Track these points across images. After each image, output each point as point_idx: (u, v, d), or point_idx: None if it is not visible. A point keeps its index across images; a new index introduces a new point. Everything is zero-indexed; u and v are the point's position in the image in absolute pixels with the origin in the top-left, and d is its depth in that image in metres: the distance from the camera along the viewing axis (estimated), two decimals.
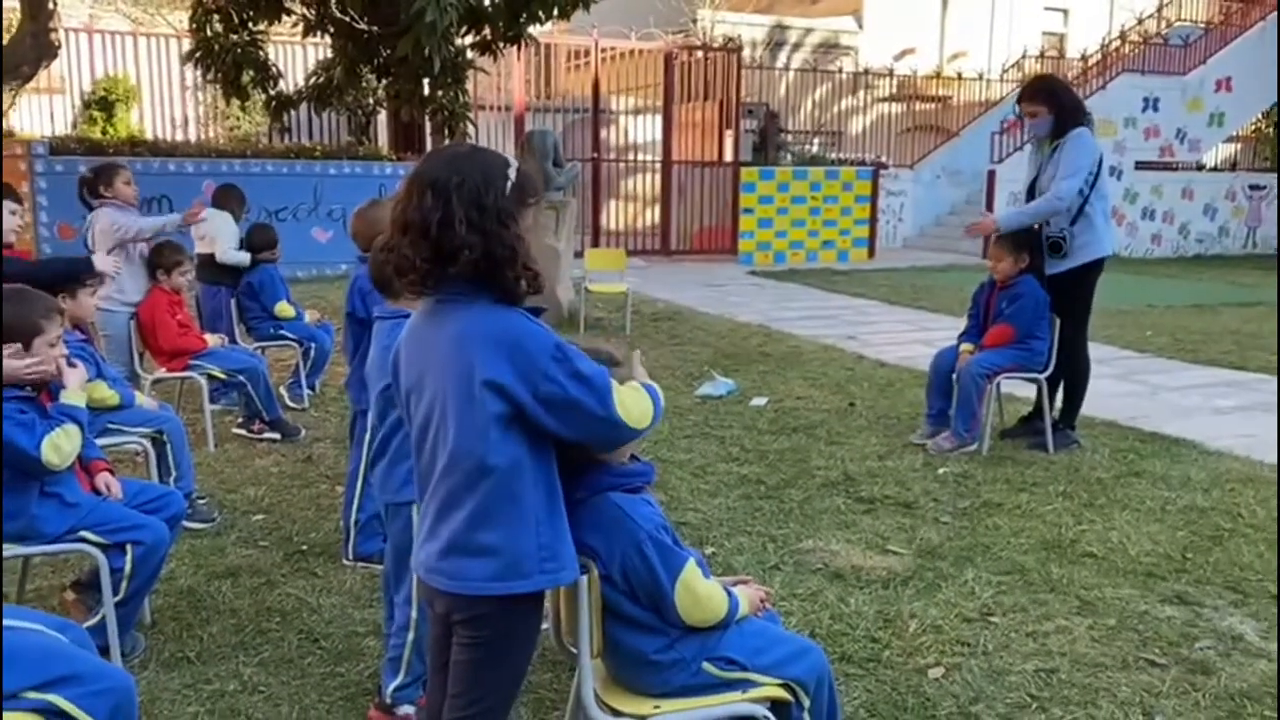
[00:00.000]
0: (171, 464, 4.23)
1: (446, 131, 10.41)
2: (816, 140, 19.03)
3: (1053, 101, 5.40)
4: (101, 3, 17.89)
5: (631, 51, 15.96)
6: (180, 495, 3.64)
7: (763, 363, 7.81)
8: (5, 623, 2.20)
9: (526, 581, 2.00)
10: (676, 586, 2.14)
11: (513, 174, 2.01)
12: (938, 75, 20.12)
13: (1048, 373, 5.46)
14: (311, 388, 6.57)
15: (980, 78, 19.42)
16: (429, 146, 11.28)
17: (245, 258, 6.36)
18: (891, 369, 7.64)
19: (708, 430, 5.87)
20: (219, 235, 6.33)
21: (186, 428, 4.50)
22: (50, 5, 9.18)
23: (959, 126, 19.16)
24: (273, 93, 10.95)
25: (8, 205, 4.58)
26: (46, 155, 10.75)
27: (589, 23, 13.09)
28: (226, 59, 10.21)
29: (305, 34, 10.50)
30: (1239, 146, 21.43)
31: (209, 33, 10.21)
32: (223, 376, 5.54)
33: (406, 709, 2.84)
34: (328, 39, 10.71)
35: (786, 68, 19.08)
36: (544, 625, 2.26)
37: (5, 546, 3.00)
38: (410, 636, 2.81)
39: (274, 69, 10.91)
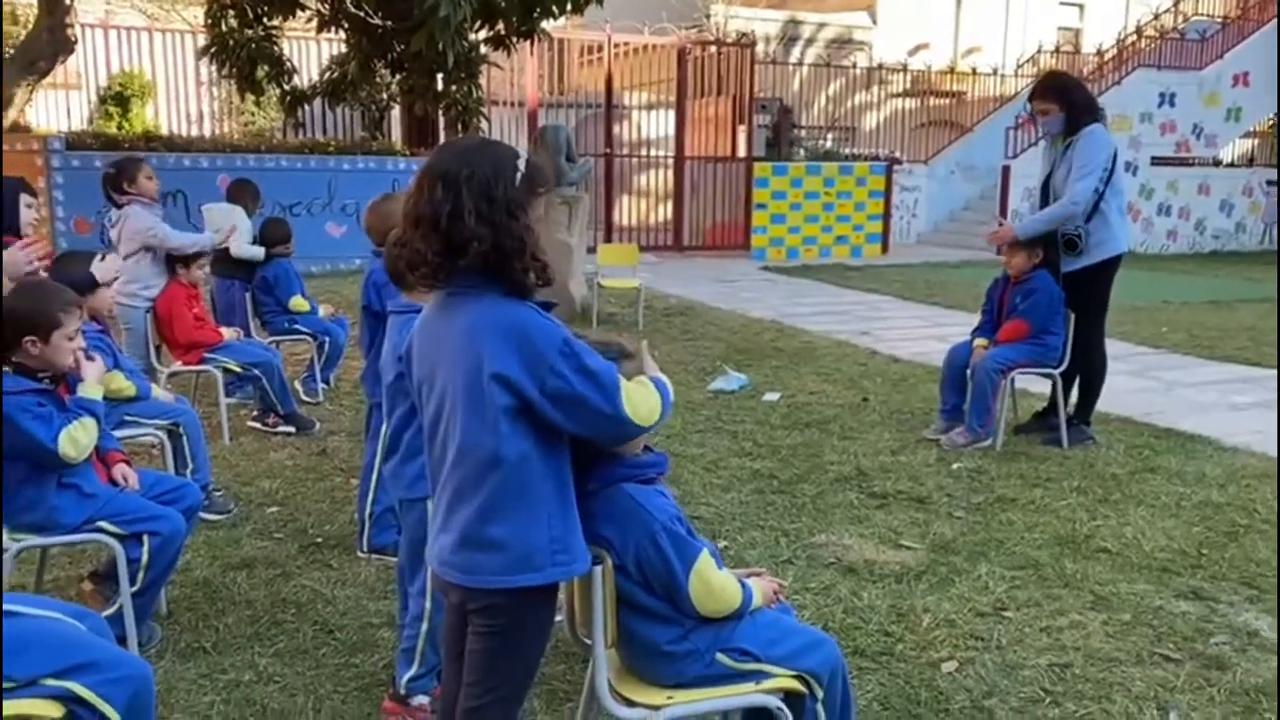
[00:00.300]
0: (188, 456, 4.25)
1: (460, 126, 10.45)
2: (830, 136, 18.96)
3: (1063, 99, 5.37)
4: None
5: (645, 46, 15.93)
6: (197, 487, 3.66)
7: (775, 358, 7.81)
8: (25, 610, 2.22)
9: (538, 574, 2.01)
10: (691, 577, 2.14)
11: (522, 165, 2.02)
12: (952, 70, 20.01)
13: (1062, 368, 5.44)
14: (326, 381, 6.59)
15: (995, 73, 19.32)
16: (442, 141, 11.29)
17: (259, 252, 6.39)
18: (905, 364, 7.62)
19: (720, 425, 5.88)
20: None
21: (202, 421, 4.52)
22: (66, 1, 9.24)
23: (973, 122, 19.06)
24: (287, 88, 11.01)
25: (24, 199, 4.60)
26: (63, 150, 10.81)
27: (602, 18, 13.06)
28: (241, 54, 10.28)
29: (319, 29, 10.55)
30: (1256, 142, 21.21)
31: (224, 28, 10.28)
32: (238, 370, 5.56)
33: (420, 699, 2.85)
34: (342, 34, 10.75)
35: (800, 63, 19.02)
36: (558, 617, 2.28)
37: (24, 537, 3.03)
38: (424, 628, 2.82)
39: (288, 64, 10.97)
